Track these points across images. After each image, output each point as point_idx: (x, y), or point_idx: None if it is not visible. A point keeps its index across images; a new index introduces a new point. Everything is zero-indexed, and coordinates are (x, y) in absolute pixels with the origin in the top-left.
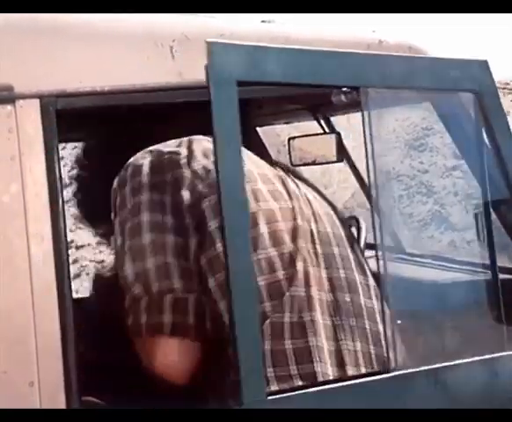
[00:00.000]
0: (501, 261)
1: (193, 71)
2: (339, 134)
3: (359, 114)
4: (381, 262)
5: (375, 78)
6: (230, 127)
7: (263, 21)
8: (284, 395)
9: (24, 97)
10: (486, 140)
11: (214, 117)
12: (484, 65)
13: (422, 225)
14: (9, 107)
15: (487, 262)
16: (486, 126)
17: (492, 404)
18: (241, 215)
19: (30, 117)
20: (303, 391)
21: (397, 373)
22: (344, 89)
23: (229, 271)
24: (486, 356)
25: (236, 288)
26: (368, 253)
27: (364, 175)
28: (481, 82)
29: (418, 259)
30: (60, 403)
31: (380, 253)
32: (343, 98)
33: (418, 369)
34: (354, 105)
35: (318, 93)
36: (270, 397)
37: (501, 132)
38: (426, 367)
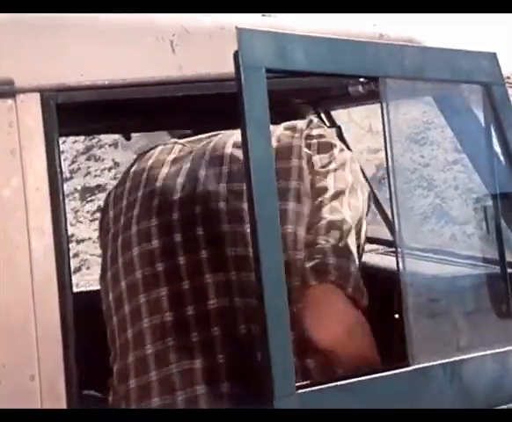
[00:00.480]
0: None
1: (193, 65)
2: (339, 128)
3: (358, 108)
4: (399, 258)
5: (399, 69)
6: (260, 113)
7: (263, 15)
8: (313, 388)
9: (24, 91)
10: (493, 132)
11: (244, 103)
12: (492, 57)
13: (423, 219)
14: (9, 101)
15: (490, 256)
16: (495, 118)
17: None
18: (271, 203)
19: (30, 111)
20: (331, 385)
21: (416, 366)
22: (361, 79)
23: (260, 264)
24: (497, 350)
25: (267, 285)
26: (368, 247)
27: (364, 169)
28: (490, 74)
29: (419, 253)
30: (60, 396)
31: (379, 247)
32: (361, 88)
33: (436, 363)
34: (369, 97)
35: (321, 86)
36: (299, 391)
37: (508, 123)
38: (442, 361)
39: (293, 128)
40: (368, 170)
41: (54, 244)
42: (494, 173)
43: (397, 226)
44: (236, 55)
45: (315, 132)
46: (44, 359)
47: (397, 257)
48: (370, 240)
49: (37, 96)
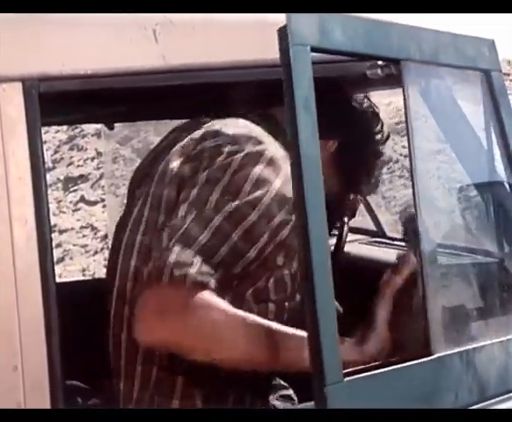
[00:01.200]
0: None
1: (176, 55)
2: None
3: None
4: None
5: (419, 53)
6: (307, 92)
7: None
8: (358, 376)
9: (6, 80)
10: (490, 119)
11: (292, 82)
12: (491, 44)
13: (406, 208)
14: None
15: (474, 245)
16: (494, 105)
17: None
18: (317, 183)
19: (12, 100)
20: (375, 372)
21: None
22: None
23: (309, 251)
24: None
25: (316, 274)
26: (351, 237)
27: None
28: (490, 60)
29: (400, 244)
30: (44, 387)
31: (362, 239)
32: (380, 71)
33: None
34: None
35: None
36: (347, 378)
37: (505, 110)
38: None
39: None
40: None
41: (37, 234)
42: (492, 163)
43: (421, 220)
44: (283, 33)
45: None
46: (27, 349)
47: (420, 248)
48: (354, 230)
49: (19, 85)
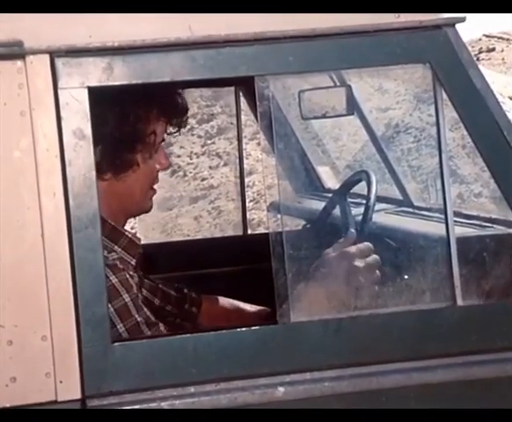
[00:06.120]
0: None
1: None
2: (349, 87)
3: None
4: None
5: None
6: None
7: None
8: None
9: (34, 52)
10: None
11: None
12: (440, 33)
13: (431, 178)
14: (19, 63)
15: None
16: (447, 94)
17: None
18: None
19: (40, 72)
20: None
21: None
22: None
23: None
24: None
25: None
26: (378, 206)
27: (374, 128)
28: (436, 51)
29: (426, 213)
30: (73, 356)
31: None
32: None
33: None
34: None
35: None
36: None
37: (467, 96)
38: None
39: None
40: (377, 129)
41: (65, 205)
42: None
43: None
44: None
45: None
46: (56, 319)
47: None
48: (379, 199)
49: (46, 57)
